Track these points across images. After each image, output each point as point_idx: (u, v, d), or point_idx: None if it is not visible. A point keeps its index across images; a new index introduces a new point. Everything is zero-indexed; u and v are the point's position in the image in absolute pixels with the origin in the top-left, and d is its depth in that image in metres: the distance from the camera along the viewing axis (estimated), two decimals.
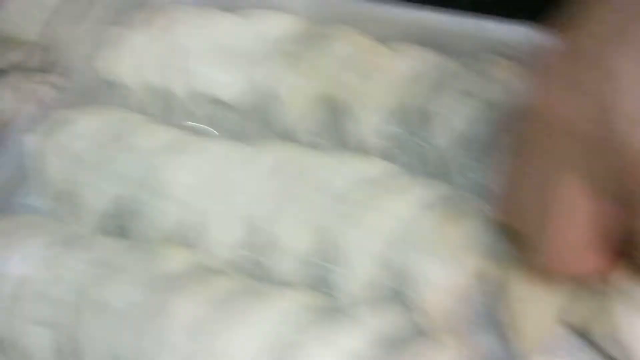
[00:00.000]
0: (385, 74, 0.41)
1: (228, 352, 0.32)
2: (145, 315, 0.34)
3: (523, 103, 0.29)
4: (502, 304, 0.33)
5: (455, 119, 0.39)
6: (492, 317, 0.34)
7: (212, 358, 0.32)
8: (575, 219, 0.27)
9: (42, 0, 0.51)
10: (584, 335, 0.33)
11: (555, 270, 0.30)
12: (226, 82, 0.44)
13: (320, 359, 0.32)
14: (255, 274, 0.36)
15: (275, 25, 0.44)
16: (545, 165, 0.27)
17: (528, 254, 0.31)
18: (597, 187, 0.26)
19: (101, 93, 0.45)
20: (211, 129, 0.43)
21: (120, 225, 0.39)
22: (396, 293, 0.35)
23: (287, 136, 0.42)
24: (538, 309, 0.33)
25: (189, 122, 0.43)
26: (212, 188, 0.38)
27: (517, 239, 0.32)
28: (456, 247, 0.35)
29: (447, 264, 0.34)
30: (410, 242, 0.34)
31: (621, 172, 0.25)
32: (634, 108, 0.24)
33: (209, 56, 0.44)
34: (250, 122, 0.43)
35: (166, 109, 0.44)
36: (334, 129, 0.41)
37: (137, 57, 0.44)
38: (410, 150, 0.40)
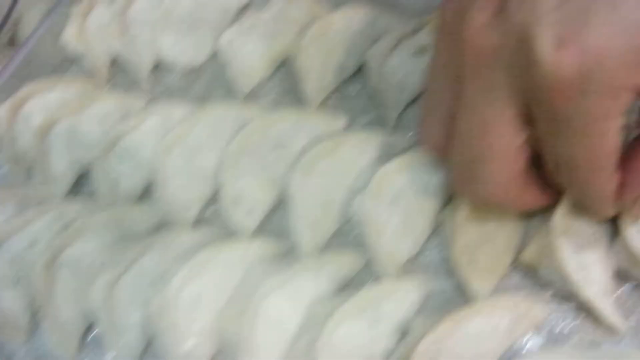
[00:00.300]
0: (339, 36, 0.42)
1: (194, 303, 0.34)
2: (114, 272, 0.35)
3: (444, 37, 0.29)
4: (456, 247, 0.34)
5: (410, 75, 0.41)
6: (446, 259, 0.35)
7: (180, 309, 0.34)
8: (506, 149, 0.28)
9: None
10: (535, 273, 0.34)
11: (493, 201, 0.31)
12: (189, 50, 0.45)
13: (281, 305, 0.33)
14: (219, 229, 0.38)
15: None
16: (475, 96, 0.27)
17: (464, 188, 0.31)
18: (524, 114, 0.27)
19: (66, 67, 0.46)
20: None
21: (88, 188, 0.40)
22: (353, 239, 0.36)
23: (249, 99, 0.43)
24: (491, 250, 0.34)
25: (154, 91, 0.44)
26: (177, 149, 0.39)
27: (454, 174, 0.32)
28: (411, 195, 0.36)
29: (401, 210, 0.35)
30: (365, 191, 0.35)
31: (541, 94, 0.25)
32: (553, 31, 0.24)
33: (171, 27, 0.45)
34: (214, 87, 0.44)
35: (131, 80, 0.45)
36: (293, 90, 0.42)
37: (101, 30, 0.45)
38: (369, 108, 0.41)
